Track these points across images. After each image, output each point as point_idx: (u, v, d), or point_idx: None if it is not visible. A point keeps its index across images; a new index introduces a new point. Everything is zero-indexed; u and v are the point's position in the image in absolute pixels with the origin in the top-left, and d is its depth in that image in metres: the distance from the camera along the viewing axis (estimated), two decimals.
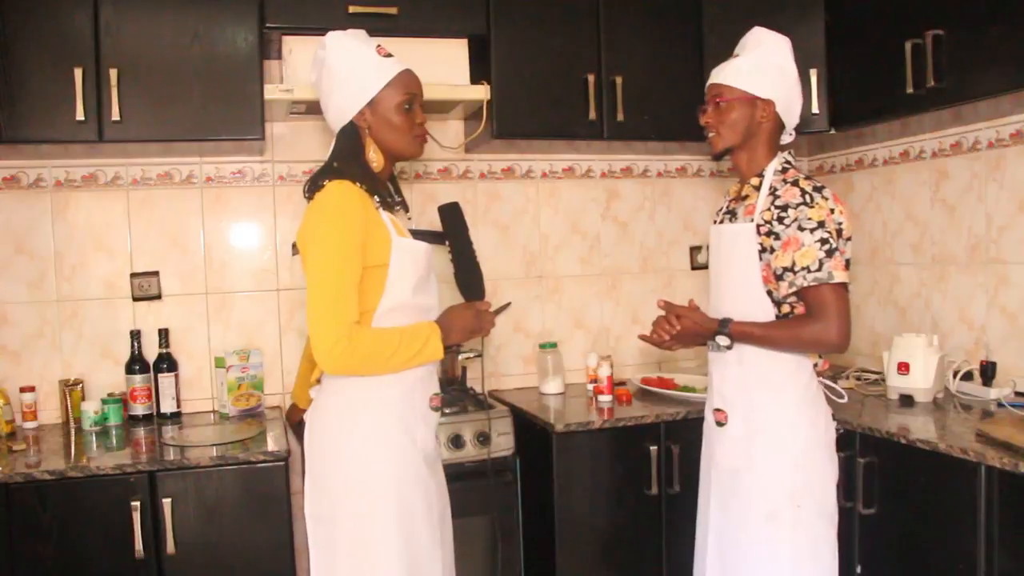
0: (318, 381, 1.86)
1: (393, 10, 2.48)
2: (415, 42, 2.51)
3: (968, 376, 2.51)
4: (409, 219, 1.97)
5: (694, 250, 3.21)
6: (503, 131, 2.64)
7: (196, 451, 2.25)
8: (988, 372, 2.45)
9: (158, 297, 2.72)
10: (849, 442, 2.23)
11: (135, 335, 2.64)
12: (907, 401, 2.43)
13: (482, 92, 2.58)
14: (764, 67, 1.93)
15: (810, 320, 1.83)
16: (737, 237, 1.92)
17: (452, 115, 2.91)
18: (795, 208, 1.82)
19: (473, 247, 2.01)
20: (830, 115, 2.69)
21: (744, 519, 1.91)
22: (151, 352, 2.67)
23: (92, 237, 2.68)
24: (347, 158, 1.82)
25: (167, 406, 2.65)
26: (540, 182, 3.08)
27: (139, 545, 2.09)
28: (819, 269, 1.79)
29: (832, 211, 1.83)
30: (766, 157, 1.96)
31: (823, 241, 1.80)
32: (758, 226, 1.87)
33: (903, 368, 2.44)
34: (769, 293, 1.89)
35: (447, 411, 2.47)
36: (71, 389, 2.57)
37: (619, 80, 2.69)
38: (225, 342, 2.78)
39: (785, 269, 1.83)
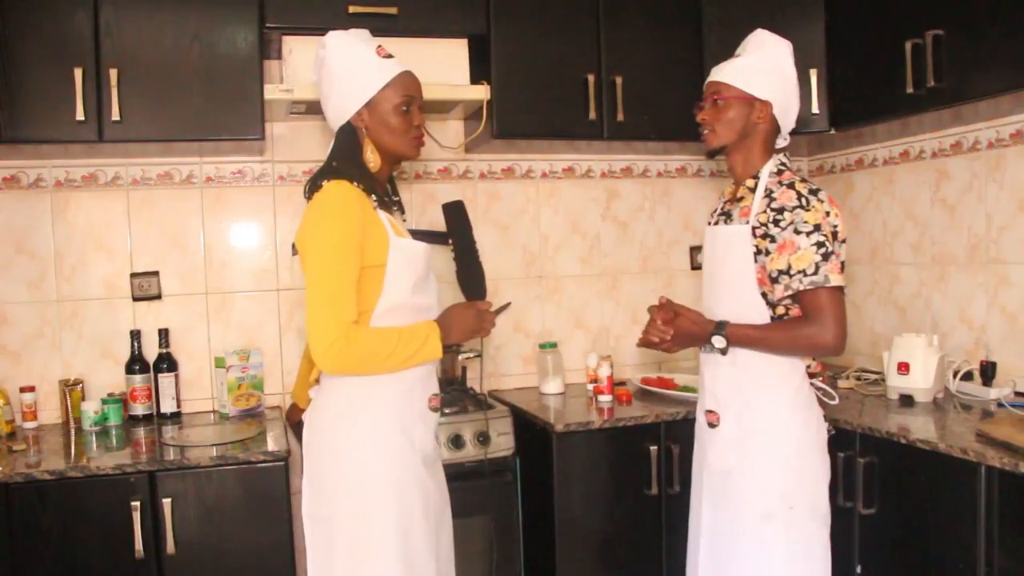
0: (317, 381, 1.86)
1: (393, 10, 2.48)
2: (415, 42, 2.51)
3: (968, 376, 2.50)
4: (404, 220, 1.97)
5: (694, 250, 3.21)
6: (503, 131, 2.64)
7: (196, 451, 2.25)
8: (988, 372, 2.45)
9: (158, 297, 2.72)
10: (849, 442, 2.23)
11: (135, 335, 2.64)
12: (907, 401, 2.43)
13: (482, 92, 2.58)
14: (764, 69, 1.93)
15: (806, 323, 1.83)
16: (732, 239, 1.92)
17: (452, 115, 2.91)
18: (791, 211, 1.82)
19: (476, 246, 2.01)
20: (830, 115, 2.69)
21: (737, 520, 1.91)
22: (151, 352, 2.67)
23: (92, 237, 2.68)
24: (345, 158, 1.82)
25: (167, 406, 2.65)
26: (540, 182, 3.08)
27: (139, 545, 2.10)
28: (815, 273, 1.79)
29: (827, 214, 1.83)
30: (761, 159, 1.95)
31: (819, 244, 1.80)
32: (753, 228, 1.87)
33: (903, 368, 2.44)
34: (764, 295, 1.89)
35: (447, 411, 2.48)
36: (71, 389, 2.57)
37: (619, 80, 2.69)
38: (225, 342, 2.78)
39: (780, 272, 1.83)
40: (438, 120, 2.93)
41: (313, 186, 1.78)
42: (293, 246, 1.77)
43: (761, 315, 1.90)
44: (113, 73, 2.30)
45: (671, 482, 2.47)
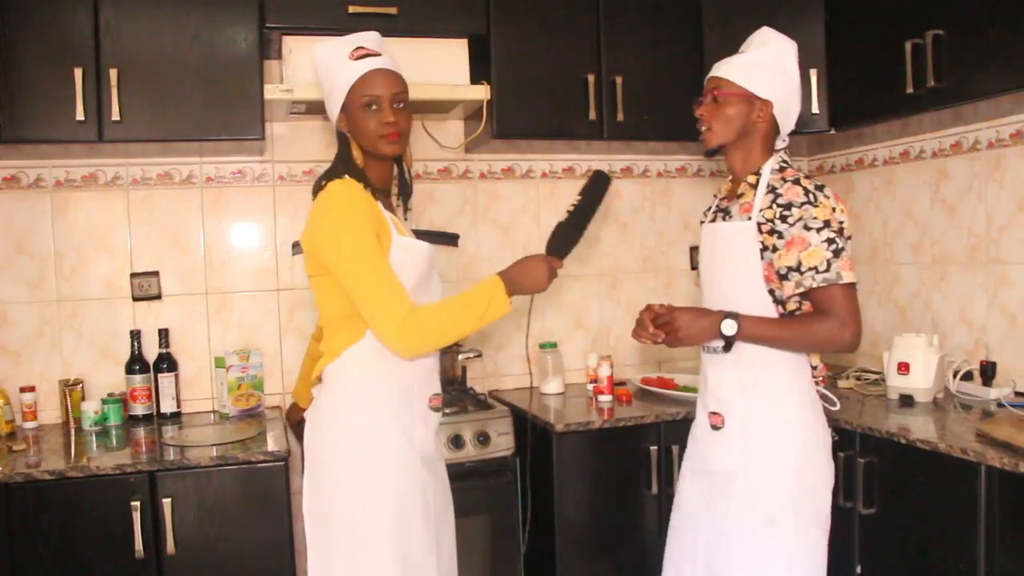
0: (319, 379, 1.86)
1: (393, 10, 2.48)
2: (415, 42, 2.51)
3: (968, 376, 2.50)
4: (407, 220, 1.97)
5: (694, 250, 3.21)
6: (503, 131, 2.64)
7: (196, 451, 2.25)
8: (988, 372, 2.45)
9: (158, 297, 2.72)
10: (849, 442, 2.23)
11: (135, 335, 2.64)
12: (907, 401, 2.43)
13: (482, 92, 2.58)
14: (767, 67, 1.90)
15: (822, 318, 1.80)
16: (735, 235, 1.89)
17: (452, 115, 2.91)
18: (799, 207, 1.79)
19: (590, 219, 1.93)
20: (830, 115, 2.69)
21: (739, 524, 1.86)
22: (151, 352, 2.67)
23: (92, 237, 2.68)
24: (341, 160, 1.85)
25: (167, 406, 2.65)
26: (540, 182, 3.08)
27: (139, 545, 2.10)
28: (827, 270, 1.77)
29: (834, 210, 1.81)
30: (762, 157, 1.92)
31: (830, 241, 1.77)
32: (759, 224, 1.84)
33: (903, 368, 2.44)
34: (771, 292, 1.87)
35: (447, 411, 2.47)
36: (71, 389, 2.57)
37: (619, 80, 2.69)
38: (225, 342, 2.78)
39: (790, 269, 1.80)
40: (438, 120, 2.93)
41: (317, 187, 1.81)
42: (294, 246, 1.78)
43: (768, 312, 1.86)
44: (113, 73, 2.30)
45: (671, 482, 2.46)
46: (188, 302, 2.76)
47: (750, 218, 1.86)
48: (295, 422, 2.33)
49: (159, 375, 2.65)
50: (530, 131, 2.69)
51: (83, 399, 2.58)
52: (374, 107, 1.79)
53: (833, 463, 1.92)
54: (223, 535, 2.18)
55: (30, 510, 2.06)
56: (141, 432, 2.52)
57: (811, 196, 1.80)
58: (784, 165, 1.91)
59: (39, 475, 2.07)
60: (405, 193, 1.99)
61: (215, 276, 2.78)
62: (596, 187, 1.91)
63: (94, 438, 2.45)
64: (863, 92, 2.57)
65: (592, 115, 2.67)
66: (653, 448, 2.46)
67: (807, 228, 1.78)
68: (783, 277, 1.82)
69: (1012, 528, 1.83)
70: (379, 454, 1.78)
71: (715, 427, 1.94)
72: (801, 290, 1.80)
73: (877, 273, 3.00)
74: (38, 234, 2.64)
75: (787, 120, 1.95)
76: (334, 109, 1.85)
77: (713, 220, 2.02)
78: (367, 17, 2.42)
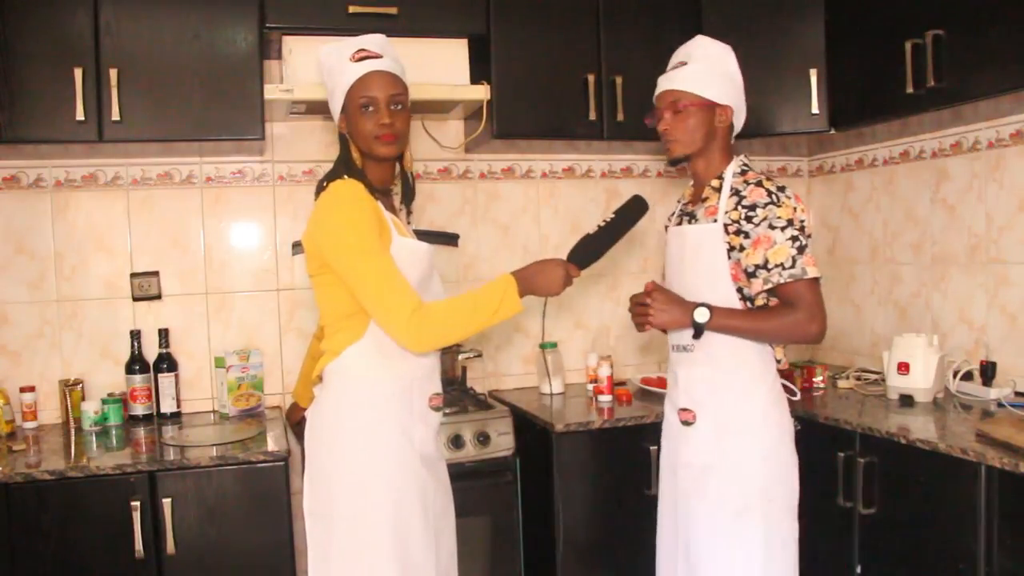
0: (320, 379, 1.86)
1: (393, 10, 2.48)
2: (415, 42, 2.51)
3: (968, 376, 2.51)
4: (409, 223, 1.97)
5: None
6: (503, 131, 2.64)
7: (196, 451, 2.25)
8: (988, 372, 2.45)
9: (158, 297, 2.72)
10: (849, 442, 2.23)
11: (135, 335, 2.64)
12: (907, 401, 2.43)
13: (482, 92, 2.58)
14: (719, 74, 1.96)
15: (790, 311, 1.87)
16: (703, 237, 1.95)
17: (452, 115, 2.91)
18: (764, 207, 1.87)
19: (618, 239, 1.94)
20: (830, 115, 2.69)
21: (714, 515, 1.92)
22: (151, 352, 2.67)
23: (92, 237, 2.68)
24: (341, 161, 1.86)
25: (167, 406, 2.65)
26: (540, 182, 3.08)
27: (139, 545, 2.10)
28: (793, 266, 1.84)
29: (795, 209, 1.88)
30: (723, 161, 1.99)
31: (794, 239, 1.85)
32: (725, 226, 1.91)
33: (903, 368, 2.44)
34: (739, 290, 1.93)
35: (447, 411, 2.47)
36: (71, 389, 2.57)
37: (619, 80, 2.69)
38: (225, 342, 2.78)
39: (757, 266, 1.87)
40: (438, 120, 2.93)
41: (319, 188, 1.82)
42: (294, 245, 1.77)
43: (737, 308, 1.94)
44: (113, 73, 2.30)
45: None
46: (188, 302, 2.76)
47: (716, 220, 1.93)
48: (295, 422, 2.34)
49: (159, 375, 2.65)
50: (530, 131, 2.69)
51: (83, 399, 2.58)
52: (370, 108, 1.80)
53: (796, 452, 1.97)
54: (223, 535, 2.18)
55: (30, 510, 2.06)
56: (141, 432, 2.52)
57: (774, 197, 1.88)
58: (745, 168, 1.99)
59: (39, 475, 2.07)
60: (408, 196, 1.99)
61: (215, 276, 2.78)
62: (632, 210, 1.94)
63: (94, 438, 2.45)
64: (863, 92, 2.57)
65: (592, 115, 2.67)
66: (653, 448, 2.45)
67: (772, 227, 1.86)
68: (751, 275, 1.90)
69: (1012, 528, 1.83)
70: (379, 454, 1.78)
71: (686, 423, 2.00)
72: (769, 286, 1.88)
73: (877, 273, 3.00)
74: (38, 234, 2.64)
75: (740, 121, 2.04)
76: (336, 110, 1.87)
77: (679, 223, 2.08)
78: (367, 17, 2.42)
